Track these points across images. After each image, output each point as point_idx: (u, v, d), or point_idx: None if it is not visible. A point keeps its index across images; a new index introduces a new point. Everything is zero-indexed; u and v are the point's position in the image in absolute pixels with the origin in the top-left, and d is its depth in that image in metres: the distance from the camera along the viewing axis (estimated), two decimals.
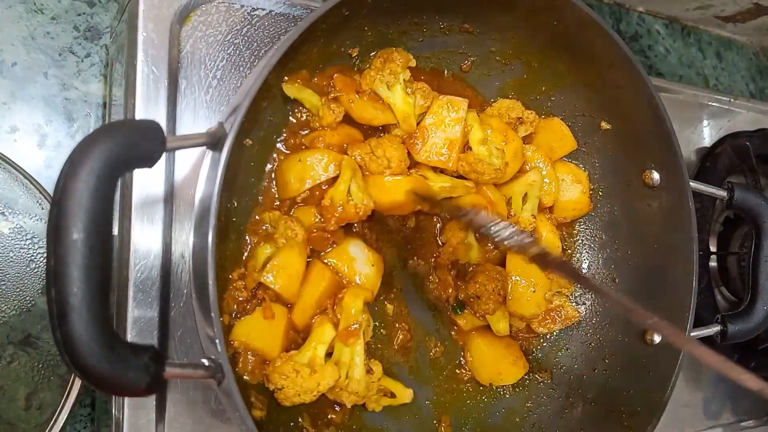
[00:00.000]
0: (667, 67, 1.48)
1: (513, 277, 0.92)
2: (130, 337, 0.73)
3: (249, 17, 0.83)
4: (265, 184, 0.82)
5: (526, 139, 0.98)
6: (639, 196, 0.94)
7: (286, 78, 0.79)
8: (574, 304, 1.01)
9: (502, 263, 0.94)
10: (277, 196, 0.82)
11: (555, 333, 1.00)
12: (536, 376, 0.98)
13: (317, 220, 0.81)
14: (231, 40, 0.82)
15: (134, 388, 0.55)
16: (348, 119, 0.85)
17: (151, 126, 0.58)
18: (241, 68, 0.82)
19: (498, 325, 0.93)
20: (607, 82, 0.91)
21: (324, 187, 0.82)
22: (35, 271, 0.81)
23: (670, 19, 1.50)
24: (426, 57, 0.92)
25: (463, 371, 0.95)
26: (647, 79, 0.85)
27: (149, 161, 0.59)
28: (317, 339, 0.78)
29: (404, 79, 0.85)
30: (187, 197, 0.78)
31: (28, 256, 0.81)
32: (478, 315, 0.92)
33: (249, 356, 0.75)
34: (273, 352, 0.76)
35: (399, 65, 0.84)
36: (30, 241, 0.82)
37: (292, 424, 0.79)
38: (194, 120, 0.80)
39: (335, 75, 0.84)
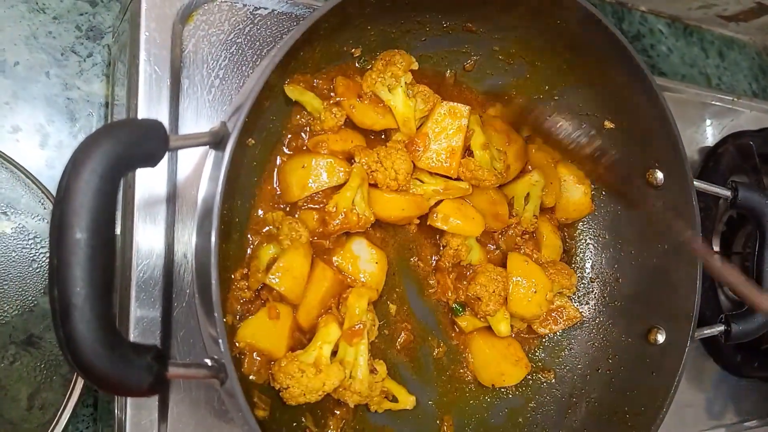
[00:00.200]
0: (670, 67, 1.47)
1: (514, 278, 0.92)
2: (133, 336, 0.73)
3: (251, 16, 0.83)
4: (267, 186, 0.81)
5: (529, 139, 0.97)
6: (643, 195, 0.94)
7: (288, 80, 0.79)
8: (576, 304, 1.01)
9: (503, 264, 0.94)
10: (279, 196, 0.82)
11: (557, 333, 1.00)
12: (539, 376, 0.98)
13: (316, 222, 0.81)
14: (233, 40, 0.82)
15: (137, 388, 0.55)
16: (350, 123, 0.85)
17: (154, 125, 0.58)
18: (244, 67, 0.82)
19: (499, 326, 0.93)
20: (610, 81, 0.91)
21: (321, 193, 0.82)
22: (37, 270, 0.81)
23: (672, 19, 1.50)
24: (429, 56, 0.91)
25: (466, 371, 0.95)
26: (651, 78, 0.85)
27: (152, 161, 0.59)
28: (323, 338, 0.78)
29: (406, 82, 0.85)
30: (190, 197, 0.78)
31: (31, 255, 0.81)
32: (479, 316, 0.92)
33: (255, 356, 0.75)
34: (279, 352, 0.76)
35: (401, 68, 0.84)
36: (32, 241, 0.82)
37: (294, 424, 0.79)
38: (197, 119, 0.80)
39: (337, 78, 0.84)
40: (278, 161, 0.82)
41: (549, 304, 0.95)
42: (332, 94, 0.84)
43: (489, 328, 0.94)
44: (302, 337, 0.80)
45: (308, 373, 0.74)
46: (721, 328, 0.94)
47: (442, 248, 0.93)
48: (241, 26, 0.82)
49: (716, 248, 1.25)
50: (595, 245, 1.02)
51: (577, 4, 0.81)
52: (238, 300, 0.76)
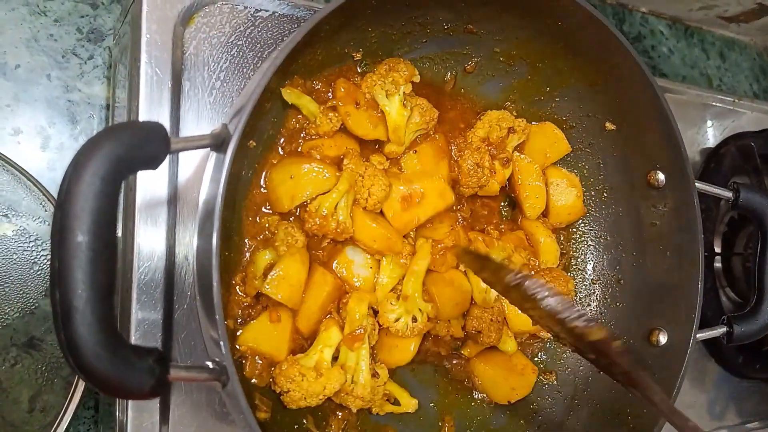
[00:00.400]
0: (671, 68, 1.47)
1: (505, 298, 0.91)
2: (134, 339, 0.73)
3: (252, 18, 0.83)
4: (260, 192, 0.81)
5: (518, 148, 0.97)
6: (644, 197, 0.94)
7: (287, 82, 0.79)
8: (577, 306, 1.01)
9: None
10: (269, 206, 0.80)
11: None
12: (541, 377, 0.98)
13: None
14: (234, 42, 0.82)
15: (138, 391, 0.55)
16: (344, 128, 0.84)
17: (155, 128, 0.58)
18: (245, 70, 0.82)
19: (506, 346, 0.93)
20: (611, 82, 0.91)
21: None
22: (38, 273, 0.81)
23: (673, 20, 1.50)
24: (430, 58, 0.91)
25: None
26: (652, 80, 0.85)
27: (153, 163, 0.59)
28: (324, 342, 0.78)
29: (404, 92, 0.85)
30: (191, 199, 0.78)
31: (32, 258, 0.81)
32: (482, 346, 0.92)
33: (256, 359, 0.75)
34: (281, 356, 0.76)
35: (402, 76, 0.84)
36: (33, 244, 0.82)
37: (296, 426, 0.79)
38: (198, 122, 0.79)
39: (338, 80, 0.84)
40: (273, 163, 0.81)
41: None
42: (330, 96, 0.84)
43: (488, 349, 0.93)
44: (304, 343, 0.80)
45: (309, 377, 0.74)
46: (723, 329, 0.94)
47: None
48: (242, 28, 0.82)
49: (718, 249, 1.25)
50: (597, 247, 1.02)
51: (578, 6, 0.81)
52: (239, 304, 0.76)
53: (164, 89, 0.77)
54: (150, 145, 0.58)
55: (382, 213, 0.84)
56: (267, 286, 0.75)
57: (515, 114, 0.96)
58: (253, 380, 0.75)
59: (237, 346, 0.75)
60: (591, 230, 1.03)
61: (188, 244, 0.77)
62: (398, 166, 0.88)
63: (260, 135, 0.79)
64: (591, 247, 1.03)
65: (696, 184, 0.88)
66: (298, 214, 0.81)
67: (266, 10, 0.84)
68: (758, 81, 1.62)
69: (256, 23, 0.83)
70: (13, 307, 0.80)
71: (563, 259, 1.01)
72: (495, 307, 0.90)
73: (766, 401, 1.28)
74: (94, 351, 0.52)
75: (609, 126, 0.96)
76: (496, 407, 0.95)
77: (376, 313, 0.84)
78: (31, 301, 0.80)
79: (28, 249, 0.81)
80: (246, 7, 0.82)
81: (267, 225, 0.79)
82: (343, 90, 0.83)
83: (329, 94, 0.84)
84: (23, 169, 0.81)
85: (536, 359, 0.99)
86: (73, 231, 0.51)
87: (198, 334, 0.76)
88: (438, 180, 0.87)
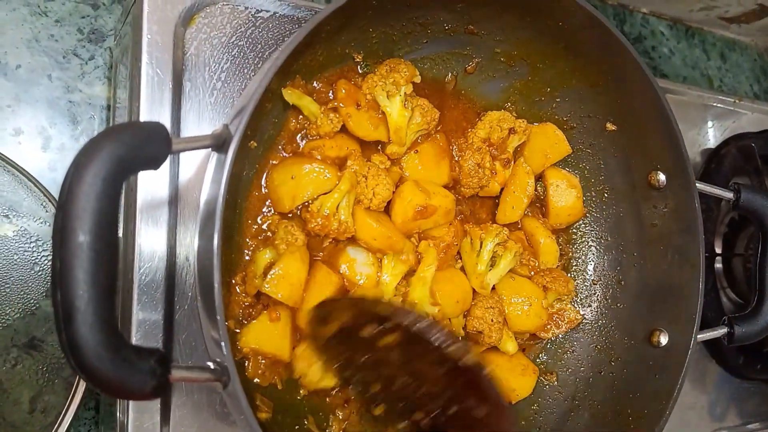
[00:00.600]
0: (671, 69, 1.47)
1: (506, 299, 0.92)
2: (135, 339, 0.73)
3: (253, 19, 0.83)
4: (261, 192, 0.81)
5: (519, 148, 0.97)
6: (645, 197, 0.94)
7: (288, 83, 0.79)
8: (578, 307, 1.01)
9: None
10: (270, 206, 0.81)
11: (560, 336, 1.00)
12: (542, 378, 0.98)
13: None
14: (235, 42, 0.82)
15: (139, 391, 0.55)
16: (346, 129, 0.84)
17: (156, 128, 0.58)
18: (246, 70, 0.82)
19: (506, 347, 0.93)
20: (612, 83, 0.91)
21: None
22: (39, 274, 0.81)
23: (674, 20, 1.50)
24: (430, 58, 0.92)
25: None
26: (653, 80, 0.85)
27: (155, 163, 0.59)
28: None
29: (405, 93, 0.85)
30: (192, 200, 0.78)
31: (33, 259, 0.81)
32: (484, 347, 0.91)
33: (259, 359, 0.75)
34: (284, 354, 0.76)
35: (403, 77, 0.84)
36: (34, 244, 0.82)
37: (297, 426, 0.79)
38: (199, 122, 0.79)
39: (339, 81, 0.84)
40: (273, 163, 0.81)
41: (548, 311, 0.95)
42: (331, 96, 0.84)
43: (486, 350, 0.93)
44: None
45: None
46: (724, 330, 0.94)
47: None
48: (242, 29, 0.82)
49: (718, 250, 1.25)
50: (597, 248, 1.02)
51: (579, 7, 0.81)
52: (240, 304, 0.76)
53: (165, 90, 0.77)
54: (151, 146, 0.58)
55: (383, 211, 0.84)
56: (266, 285, 0.75)
57: (516, 115, 0.96)
58: (256, 380, 0.75)
59: (239, 347, 0.74)
60: (592, 231, 1.03)
61: (189, 244, 0.77)
62: (399, 166, 0.88)
63: (261, 135, 0.79)
64: (592, 247, 1.02)
65: (697, 184, 0.88)
66: (299, 213, 0.81)
67: (267, 11, 0.84)
68: (759, 82, 1.62)
69: (257, 24, 0.83)
70: (14, 308, 0.80)
71: (563, 260, 1.01)
72: (496, 307, 0.90)
73: (767, 402, 1.28)
74: (95, 351, 0.52)
75: (610, 127, 0.96)
76: None
77: None
78: (31, 301, 0.80)
79: (29, 250, 0.81)
80: (247, 8, 0.83)
81: (268, 225, 0.79)
82: (344, 91, 0.83)
83: (330, 94, 0.84)
84: (24, 169, 0.81)
85: (537, 360, 0.99)
86: (74, 231, 0.51)
87: (199, 335, 0.76)
88: (451, 200, 0.88)
